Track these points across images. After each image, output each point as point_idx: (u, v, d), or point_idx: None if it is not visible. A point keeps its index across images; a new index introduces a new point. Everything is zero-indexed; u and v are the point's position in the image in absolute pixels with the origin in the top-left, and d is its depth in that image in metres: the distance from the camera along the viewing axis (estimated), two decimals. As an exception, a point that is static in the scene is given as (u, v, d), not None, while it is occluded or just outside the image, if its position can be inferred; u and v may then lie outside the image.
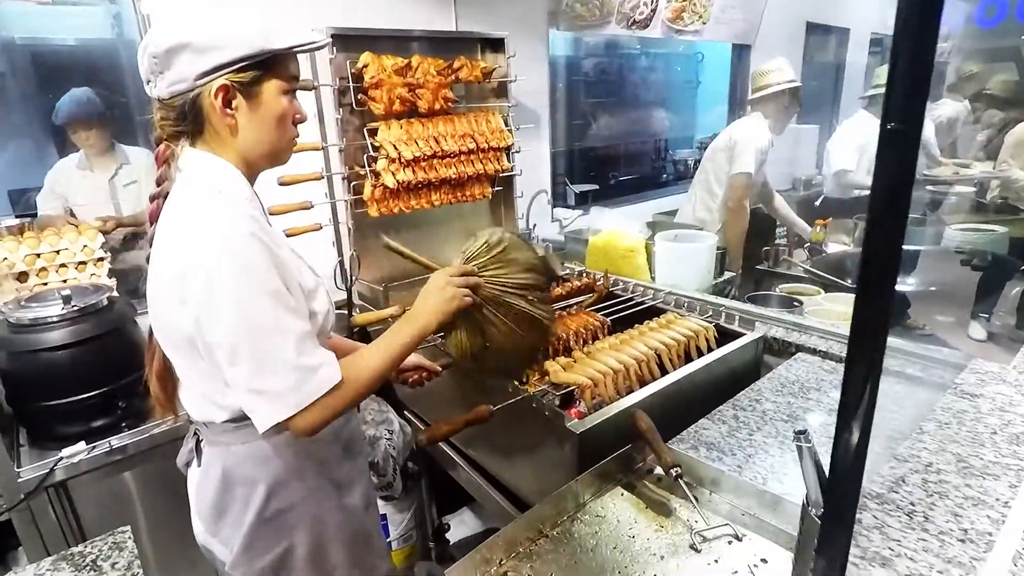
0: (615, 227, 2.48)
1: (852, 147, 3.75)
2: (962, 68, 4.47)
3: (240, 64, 0.92)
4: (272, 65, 0.96)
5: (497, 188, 2.37)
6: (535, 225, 2.95)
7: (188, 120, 0.95)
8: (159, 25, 0.91)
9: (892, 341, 1.57)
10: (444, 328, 1.13)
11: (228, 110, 0.94)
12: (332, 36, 1.90)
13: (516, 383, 1.44)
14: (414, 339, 1.05)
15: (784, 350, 1.68)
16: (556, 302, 1.92)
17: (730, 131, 2.92)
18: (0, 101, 2.22)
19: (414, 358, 1.36)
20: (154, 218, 0.98)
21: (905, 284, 2.52)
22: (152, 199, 0.99)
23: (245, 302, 0.87)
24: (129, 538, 1.02)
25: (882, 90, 2.95)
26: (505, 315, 1.20)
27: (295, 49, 0.98)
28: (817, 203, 4.03)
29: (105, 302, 1.70)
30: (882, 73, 3.83)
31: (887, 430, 1.26)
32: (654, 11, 3.53)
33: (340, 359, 0.95)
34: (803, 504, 0.81)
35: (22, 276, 1.89)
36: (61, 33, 2.27)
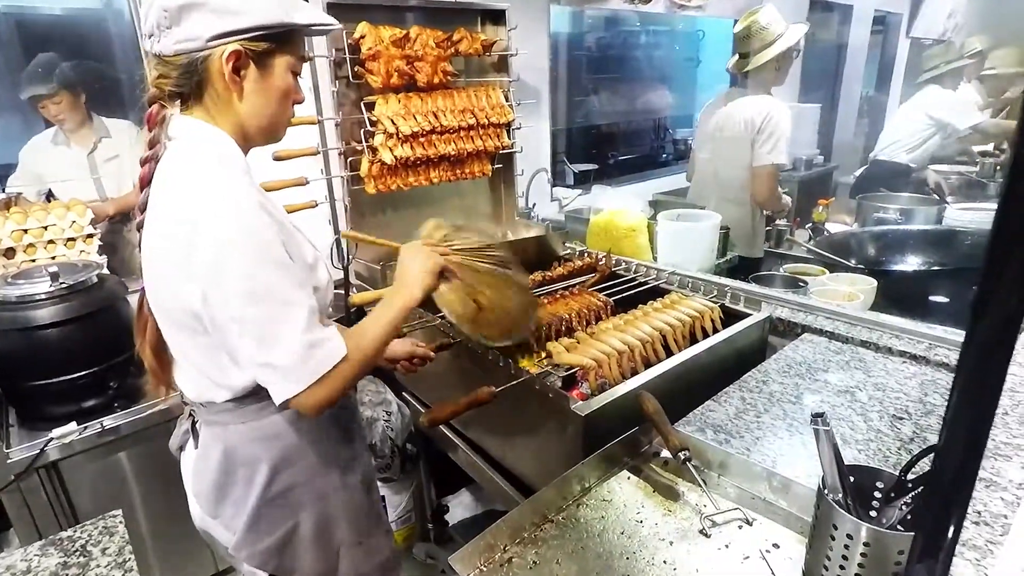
0: (616, 206, 2.44)
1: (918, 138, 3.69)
2: (966, 47, 4.39)
3: (257, 33, 0.89)
4: (286, 40, 0.94)
5: (497, 166, 2.32)
6: (535, 204, 2.91)
7: (191, 81, 0.90)
8: None
9: (900, 321, 1.52)
10: (431, 293, 1.11)
11: (236, 77, 0.90)
12: (328, 5, 1.82)
13: (523, 356, 1.44)
14: (406, 307, 1.03)
15: (790, 331, 1.65)
16: (557, 282, 1.88)
17: (744, 113, 2.57)
18: (-15, 72, 2.15)
19: (406, 344, 1.35)
20: (145, 182, 0.94)
21: (907, 264, 2.50)
22: (143, 163, 0.94)
23: (255, 274, 0.84)
24: (120, 522, 0.99)
25: (938, 70, 2.72)
26: (485, 280, 1.22)
27: (313, 27, 0.96)
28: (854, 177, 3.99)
29: (95, 279, 1.66)
30: (935, 54, 3.74)
31: (892, 409, 1.24)
32: (656, -14, 3.45)
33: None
34: (819, 488, 0.79)
35: (8, 252, 1.84)
36: (48, 2, 2.19)
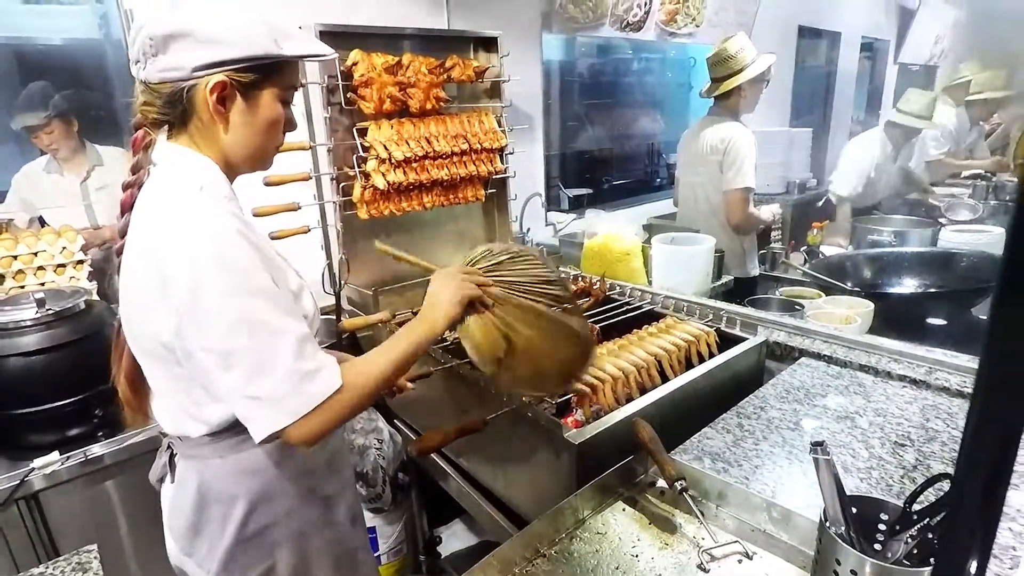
0: (610, 230, 2.44)
1: (862, 175, 3.67)
2: (954, 74, 4.47)
3: (243, 64, 0.87)
4: (275, 70, 0.92)
5: (490, 191, 2.32)
6: (529, 229, 2.91)
7: (176, 110, 0.89)
8: (163, 8, 0.85)
9: (898, 344, 1.50)
10: (455, 325, 1.03)
11: (221, 108, 0.88)
12: (321, 33, 1.84)
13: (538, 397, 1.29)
14: (423, 339, 0.97)
15: (787, 355, 1.63)
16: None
17: (711, 140, 2.61)
18: (-16, 101, 2.16)
19: None
20: (127, 207, 0.92)
21: (904, 287, 2.49)
22: (125, 188, 0.93)
23: (237, 305, 0.81)
24: (95, 558, 0.95)
25: (907, 120, 2.78)
26: (524, 318, 1.06)
27: (304, 57, 0.94)
28: (819, 203, 4.00)
29: (82, 306, 1.63)
30: (908, 98, 3.64)
31: (893, 435, 1.22)
32: (647, 13, 3.51)
33: (341, 364, 0.89)
34: (820, 520, 0.76)
35: (-3, 279, 1.81)
36: (47, 32, 2.21)
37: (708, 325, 1.65)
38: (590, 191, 4.05)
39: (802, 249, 3.08)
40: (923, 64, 6.99)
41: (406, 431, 1.90)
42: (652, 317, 1.76)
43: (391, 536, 1.95)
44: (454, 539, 2.25)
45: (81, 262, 1.93)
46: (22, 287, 1.83)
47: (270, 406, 0.82)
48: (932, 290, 2.41)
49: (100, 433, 1.62)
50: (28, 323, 1.52)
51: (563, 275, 2.02)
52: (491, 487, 1.48)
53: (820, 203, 4.00)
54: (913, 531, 0.73)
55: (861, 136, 3.89)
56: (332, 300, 1.98)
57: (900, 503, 0.75)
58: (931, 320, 2.13)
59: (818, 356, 1.58)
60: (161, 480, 1.06)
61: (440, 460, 1.64)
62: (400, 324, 1.01)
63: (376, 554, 1.91)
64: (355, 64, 1.90)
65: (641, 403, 1.27)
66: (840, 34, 5.66)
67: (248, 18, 0.88)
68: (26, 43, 2.20)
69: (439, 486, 1.69)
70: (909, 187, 3.94)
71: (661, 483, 1.07)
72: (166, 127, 0.93)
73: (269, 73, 0.91)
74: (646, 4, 3.47)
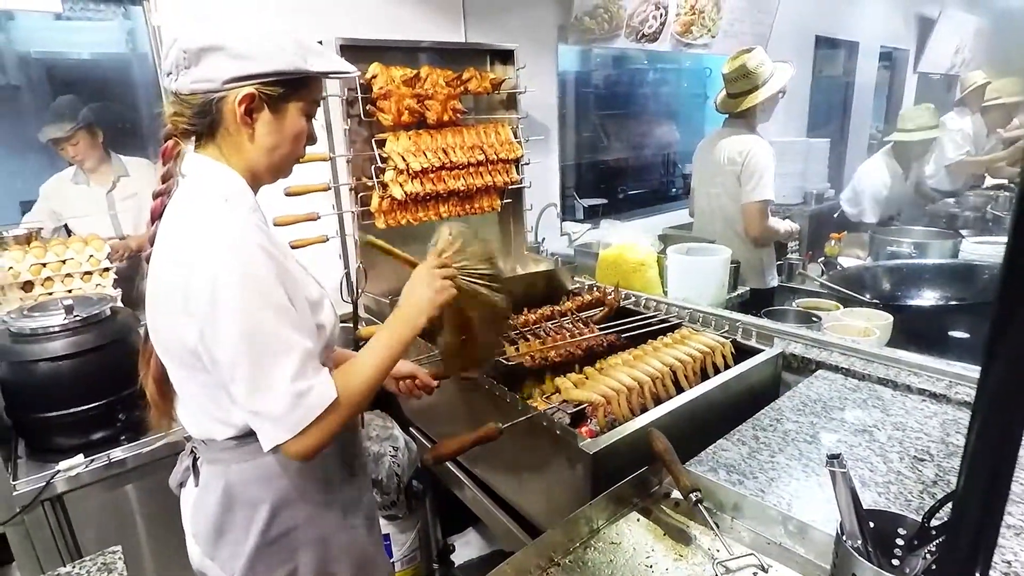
0: (626, 240, 2.44)
1: (868, 198, 3.74)
2: (967, 80, 4.43)
3: (271, 78, 0.91)
4: (301, 85, 0.96)
5: (506, 201, 2.34)
6: (544, 239, 2.92)
7: (205, 120, 0.93)
8: (198, 22, 0.89)
9: (918, 357, 1.49)
10: (432, 323, 1.09)
11: (248, 119, 0.92)
12: (342, 47, 1.88)
13: (513, 394, 1.39)
14: (406, 337, 1.01)
15: (804, 367, 1.62)
16: (565, 316, 1.87)
17: (729, 152, 2.60)
18: (16, 114, 2.23)
19: (408, 366, 1.32)
20: (156, 215, 0.96)
21: (924, 299, 2.46)
22: (155, 196, 0.96)
23: (248, 316, 0.84)
24: (120, 559, 0.98)
25: (904, 136, 2.81)
26: (477, 306, 1.18)
27: (328, 74, 0.98)
28: (836, 215, 4.00)
29: (108, 312, 1.67)
30: (905, 116, 3.68)
31: (912, 450, 1.20)
32: (663, 24, 3.52)
33: (332, 373, 0.92)
34: (837, 534, 0.76)
35: (27, 286, 1.87)
36: (76, 47, 2.28)
37: (724, 336, 1.64)
38: (605, 201, 4.06)
39: (820, 260, 3.05)
40: (944, 73, 6.91)
41: (421, 439, 1.92)
42: (667, 328, 1.76)
43: (405, 544, 1.96)
44: (467, 548, 2.25)
45: (107, 270, 1.98)
46: (50, 294, 1.88)
47: (270, 421, 0.86)
48: (954, 303, 2.37)
49: (123, 437, 1.65)
50: (56, 329, 1.56)
51: (556, 268, 2.26)
52: (505, 496, 1.49)
53: (836, 214, 3.98)
54: (932, 547, 0.72)
55: (867, 163, 3.91)
56: (349, 308, 2.01)
57: (919, 518, 0.74)
58: (952, 333, 2.10)
59: (836, 369, 1.56)
60: (182, 484, 1.08)
61: (454, 468, 1.65)
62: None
63: (391, 561, 1.92)
64: (374, 77, 1.93)
65: (656, 414, 1.27)
66: (858, 44, 5.63)
67: (278, 35, 0.92)
68: (57, 57, 2.28)
69: (453, 494, 1.70)
70: (922, 200, 3.91)
71: (676, 494, 1.07)
72: (194, 138, 0.96)
73: (296, 88, 0.95)
74: (661, 16, 3.48)
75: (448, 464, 1.65)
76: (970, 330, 2.07)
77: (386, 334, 1.00)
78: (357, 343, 1.89)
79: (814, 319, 2.07)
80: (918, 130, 3.55)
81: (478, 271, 1.18)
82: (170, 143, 0.96)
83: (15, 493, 1.46)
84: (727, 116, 2.74)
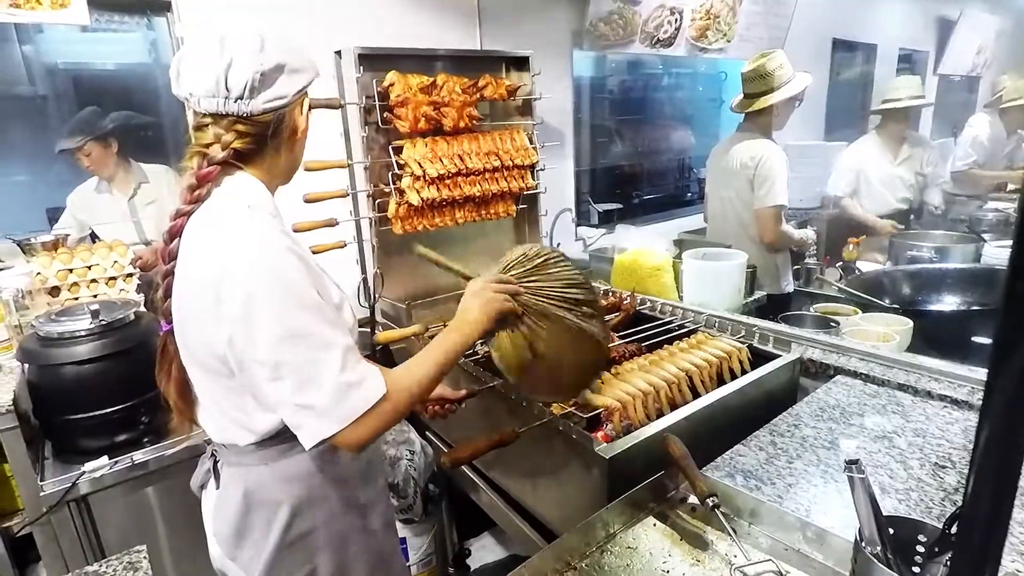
0: (641, 245, 2.44)
1: (851, 172, 3.69)
2: (996, 84, 4.37)
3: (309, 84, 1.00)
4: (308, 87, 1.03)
5: (521, 206, 2.35)
6: (559, 244, 2.93)
7: (268, 136, 0.97)
8: (256, 43, 0.90)
9: (939, 363, 1.46)
10: (487, 336, 1.08)
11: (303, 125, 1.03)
12: (360, 55, 1.91)
13: (559, 404, 1.36)
14: (458, 347, 1.02)
15: (822, 372, 1.60)
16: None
17: (742, 157, 2.59)
18: (43, 123, 2.30)
19: (437, 389, 1.29)
20: (176, 233, 0.96)
21: (945, 304, 2.42)
22: (179, 215, 0.97)
23: (286, 317, 0.85)
24: (145, 558, 1.00)
25: (896, 104, 2.83)
26: (552, 329, 1.13)
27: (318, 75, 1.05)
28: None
29: (132, 317, 1.71)
30: (895, 85, 3.64)
31: (934, 456, 1.19)
32: (678, 30, 3.52)
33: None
34: (855, 540, 0.75)
35: (54, 291, 1.92)
36: (102, 58, 2.34)
37: (740, 341, 1.64)
38: (620, 206, 4.06)
39: (837, 265, 3.01)
40: (965, 75, 6.80)
41: (437, 443, 1.93)
42: (683, 333, 1.75)
43: (421, 547, 1.97)
44: (483, 552, 2.25)
45: (130, 275, 2.03)
46: (76, 299, 1.93)
47: (319, 415, 0.86)
48: (976, 308, 2.33)
49: (145, 440, 1.68)
50: (83, 333, 1.60)
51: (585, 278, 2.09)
52: (521, 500, 1.49)
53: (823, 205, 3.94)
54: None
55: (853, 144, 3.87)
56: (366, 313, 2.04)
57: (940, 525, 0.73)
58: (975, 339, 2.06)
59: (854, 374, 1.55)
60: (203, 487, 1.11)
61: (471, 472, 1.66)
62: (432, 338, 1.05)
63: (407, 565, 1.93)
64: (391, 85, 1.96)
65: (672, 419, 1.27)
66: (876, 46, 5.57)
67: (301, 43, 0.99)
68: (83, 68, 2.34)
69: (469, 498, 1.71)
70: (938, 203, 3.85)
71: (692, 499, 1.07)
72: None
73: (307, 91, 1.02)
74: (676, 21, 3.48)
75: (464, 468, 1.66)
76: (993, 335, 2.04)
77: (437, 342, 1.02)
78: (374, 348, 1.91)
79: (832, 324, 2.05)
80: (909, 98, 3.50)
81: (559, 293, 1.15)
82: (214, 168, 0.94)
83: (42, 494, 1.50)
84: (741, 120, 2.73)
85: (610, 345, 1.64)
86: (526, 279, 1.14)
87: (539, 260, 1.17)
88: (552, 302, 1.14)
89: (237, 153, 0.95)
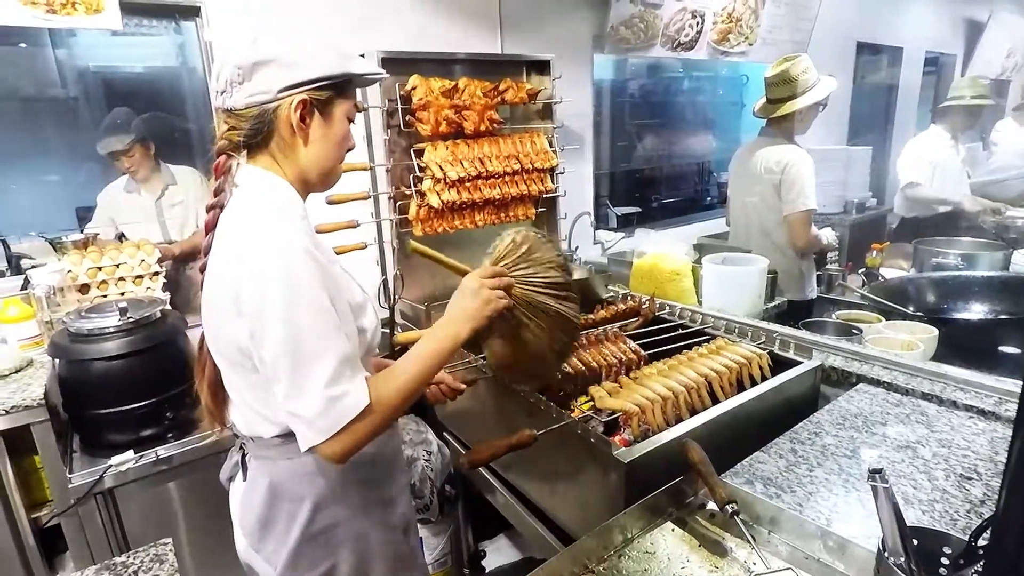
0: (660, 249, 2.43)
1: (924, 161, 3.63)
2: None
3: (321, 83, 0.96)
4: (345, 89, 1.01)
5: (541, 209, 2.36)
6: (578, 247, 2.93)
7: (260, 131, 0.97)
8: (248, 39, 0.94)
9: (965, 372, 1.43)
10: (478, 334, 1.07)
11: (303, 124, 0.97)
12: (383, 59, 1.94)
13: (553, 397, 1.38)
14: (447, 348, 1.01)
15: (843, 380, 1.58)
16: (600, 325, 1.87)
17: (767, 162, 2.56)
18: (74, 125, 2.36)
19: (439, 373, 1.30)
20: (210, 227, 0.99)
21: (972, 312, 2.37)
22: (208, 209, 1.00)
23: (289, 319, 0.87)
24: (170, 551, 1.02)
25: (960, 101, 2.81)
26: (538, 316, 1.14)
27: (367, 76, 1.03)
28: (894, 225, 3.90)
29: (158, 314, 1.75)
30: (960, 84, 3.65)
31: (959, 467, 1.16)
32: (699, 33, 3.51)
33: (369, 381, 0.93)
34: (879, 551, 0.75)
35: (84, 288, 1.97)
36: (131, 61, 2.40)
37: (760, 347, 1.62)
38: (639, 210, 4.05)
39: (860, 271, 2.97)
40: (994, 79, 6.66)
41: (454, 444, 1.94)
42: (703, 338, 1.74)
43: (436, 548, 1.98)
44: (498, 554, 2.26)
45: (157, 274, 2.07)
46: (104, 296, 1.98)
47: (305, 424, 0.88)
48: (1004, 316, 2.28)
49: (170, 435, 1.72)
50: (111, 330, 1.64)
51: (589, 276, 2.17)
52: (537, 502, 1.50)
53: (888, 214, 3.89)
54: (979, 566, 0.70)
55: (918, 136, 3.85)
56: (386, 314, 2.06)
57: (965, 537, 0.72)
58: (1003, 348, 2.02)
59: (877, 383, 1.52)
60: (231, 479, 1.13)
61: (487, 474, 1.66)
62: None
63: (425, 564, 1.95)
64: (414, 88, 1.99)
65: (691, 424, 1.26)
66: (902, 49, 5.48)
67: (320, 44, 0.98)
68: (114, 71, 2.41)
69: (485, 499, 1.72)
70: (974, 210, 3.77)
71: (711, 505, 1.06)
72: (246, 151, 1.00)
73: (341, 91, 1.00)
74: (698, 24, 3.47)
75: (481, 469, 1.66)
76: (1022, 345, 1.99)
77: (425, 344, 1.01)
78: (393, 348, 1.92)
79: (854, 331, 2.02)
80: (978, 97, 3.51)
81: (544, 279, 1.15)
82: (222, 159, 0.99)
83: (70, 486, 1.54)
84: (764, 125, 2.71)
85: (610, 346, 1.67)
86: (517, 267, 1.14)
87: (526, 246, 1.17)
88: (538, 289, 1.14)
89: (235, 145, 0.98)
